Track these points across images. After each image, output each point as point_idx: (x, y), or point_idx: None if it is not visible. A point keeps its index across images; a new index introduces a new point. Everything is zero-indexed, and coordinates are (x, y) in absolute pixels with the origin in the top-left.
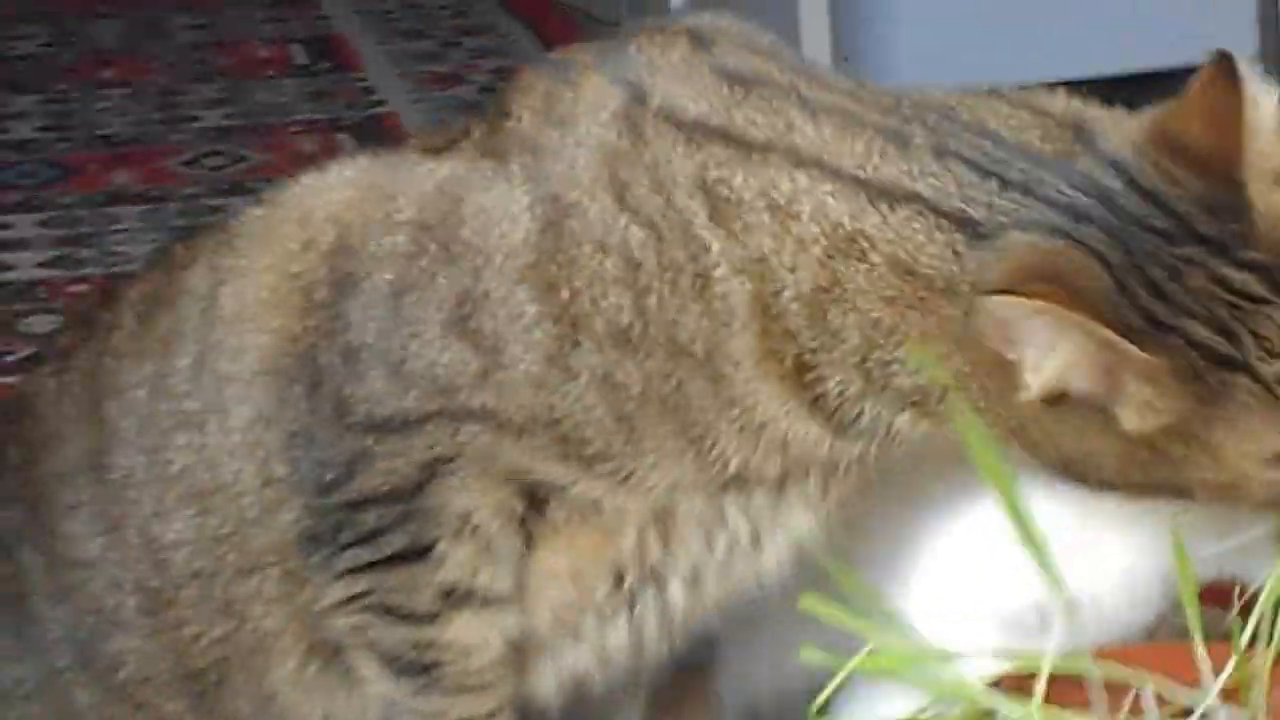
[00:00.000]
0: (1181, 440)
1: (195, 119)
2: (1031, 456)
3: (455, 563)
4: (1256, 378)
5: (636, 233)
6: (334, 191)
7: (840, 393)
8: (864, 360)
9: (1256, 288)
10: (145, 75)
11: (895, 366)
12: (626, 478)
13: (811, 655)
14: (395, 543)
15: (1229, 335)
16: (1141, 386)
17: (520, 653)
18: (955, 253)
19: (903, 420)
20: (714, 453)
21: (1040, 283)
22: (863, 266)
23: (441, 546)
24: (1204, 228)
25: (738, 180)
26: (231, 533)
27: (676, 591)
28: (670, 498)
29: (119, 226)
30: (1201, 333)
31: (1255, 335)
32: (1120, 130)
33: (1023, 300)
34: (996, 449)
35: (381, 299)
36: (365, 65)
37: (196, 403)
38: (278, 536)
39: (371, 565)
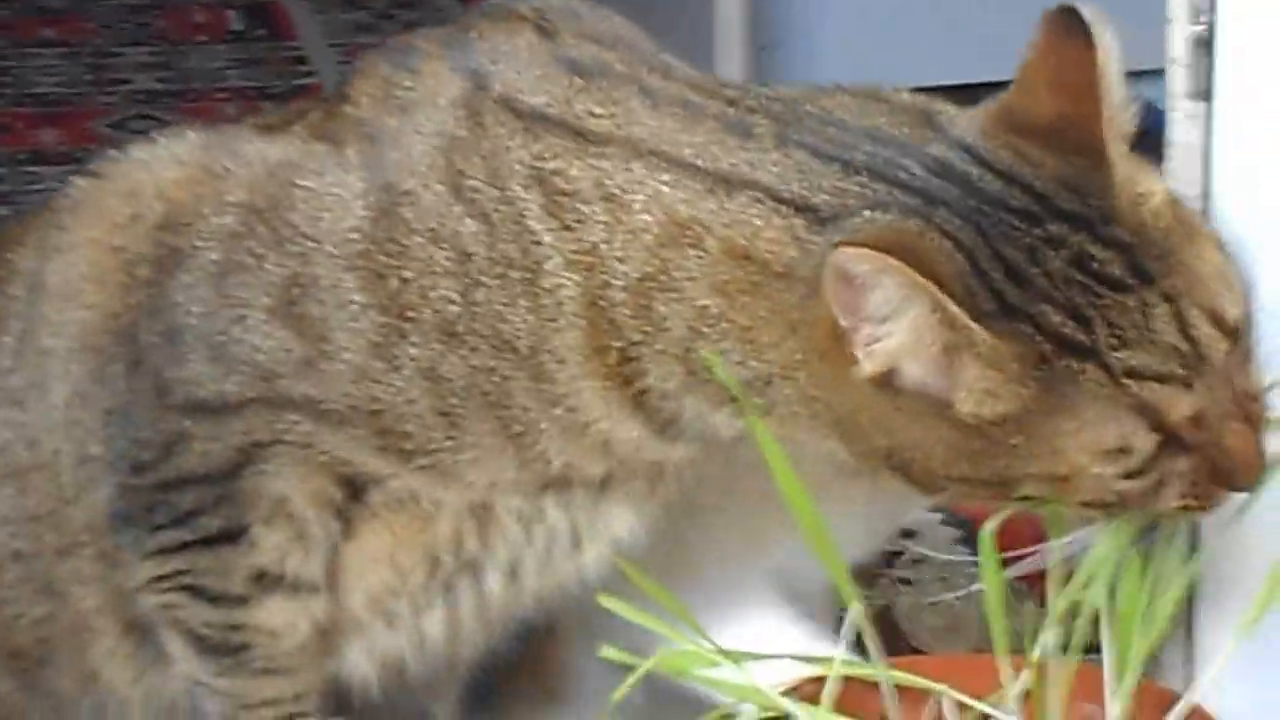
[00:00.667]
0: (1019, 430)
1: (127, 81)
2: (854, 447)
3: (267, 547)
4: (1105, 367)
5: (470, 224)
6: (165, 167)
7: (663, 388)
8: (688, 351)
9: (1116, 270)
10: (84, 35)
11: (705, 350)
12: (445, 473)
13: (610, 653)
14: (209, 525)
15: (1082, 321)
16: (984, 371)
17: (331, 636)
18: (795, 237)
19: (721, 418)
20: (535, 451)
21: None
22: (694, 253)
23: (255, 531)
24: (1066, 204)
25: (574, 171)
26: (50, 512)
27: (494, 583)
28: (490, 494)
29: (38, 185)
30: (1054, 318)
31: (1109, 324)
32: (967, 118)
33: (875, 254)
34: (788, 458)
35: (206, 280)
36: (300, 34)
37: (19, 379)
38: (93, 516)
39: (184, 546)
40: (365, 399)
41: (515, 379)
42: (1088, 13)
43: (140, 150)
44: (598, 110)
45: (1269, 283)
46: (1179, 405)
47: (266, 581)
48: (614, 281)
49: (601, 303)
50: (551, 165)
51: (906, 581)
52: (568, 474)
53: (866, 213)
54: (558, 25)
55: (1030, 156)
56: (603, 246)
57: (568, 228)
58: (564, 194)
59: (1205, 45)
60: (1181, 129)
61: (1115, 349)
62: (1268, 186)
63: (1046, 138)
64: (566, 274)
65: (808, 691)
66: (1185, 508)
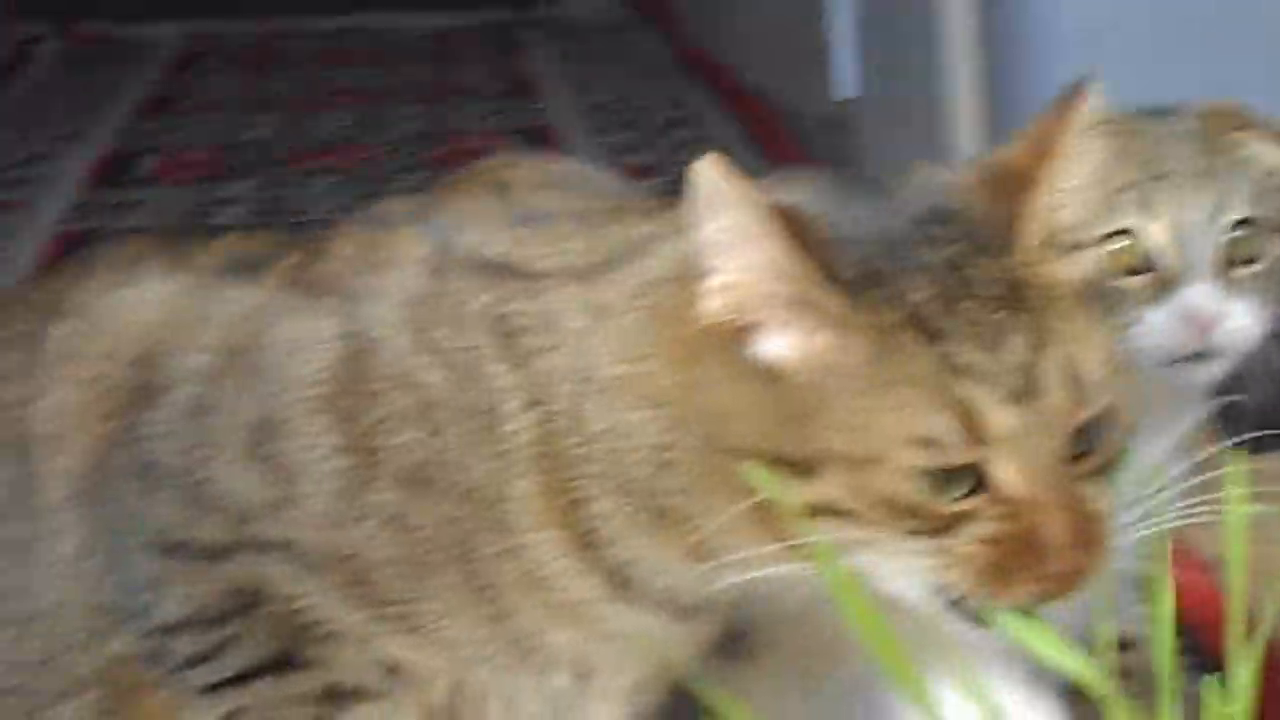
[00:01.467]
0: (840, 399)
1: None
2: (712, 456)
3: (333, 664)
4: (944, 355)
5: (434, 373)
6: (144, 309)
7: (606, 524)
8: (617, 461)
9: (994, 288)
10: (359, 164)
11: (639, 455)
12: (419, 632)
13: None
14: (242, 661)
15: (943, 306)
16: (824, 332)
17: None
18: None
19: (665, 562)
20: (504, 612)
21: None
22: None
23: (309, 652)
24: (970, 222)
25: (523, 308)
26: (50, 658)
27: None
28: (464, 659)
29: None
30: (918, 294)
31: (967, 321)
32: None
33: (726, 172)
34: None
35: (179, 417)
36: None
37: (16, 529)
38: (102, 663)
39: (231, 682)
40: (336, 545)
41: (479, 529)
42: (1093, 85)
43: (122, 291)
44: (544, 250)
45: None
46: (998, 416)
47: (340, 696)
48: (560, 410)
49: (552, 438)
50: (505, 309)
51: None
52: (537, 643)
53: None
54: (510, 182)
55: (965, 190)
56: (547, 374)
57: (520, 364)
58: (516, 332)
59: None
60: None
61: (960, 342)
62: None
63: (995, 182)
64: (523, 415)
65: None
66: (981, 577)
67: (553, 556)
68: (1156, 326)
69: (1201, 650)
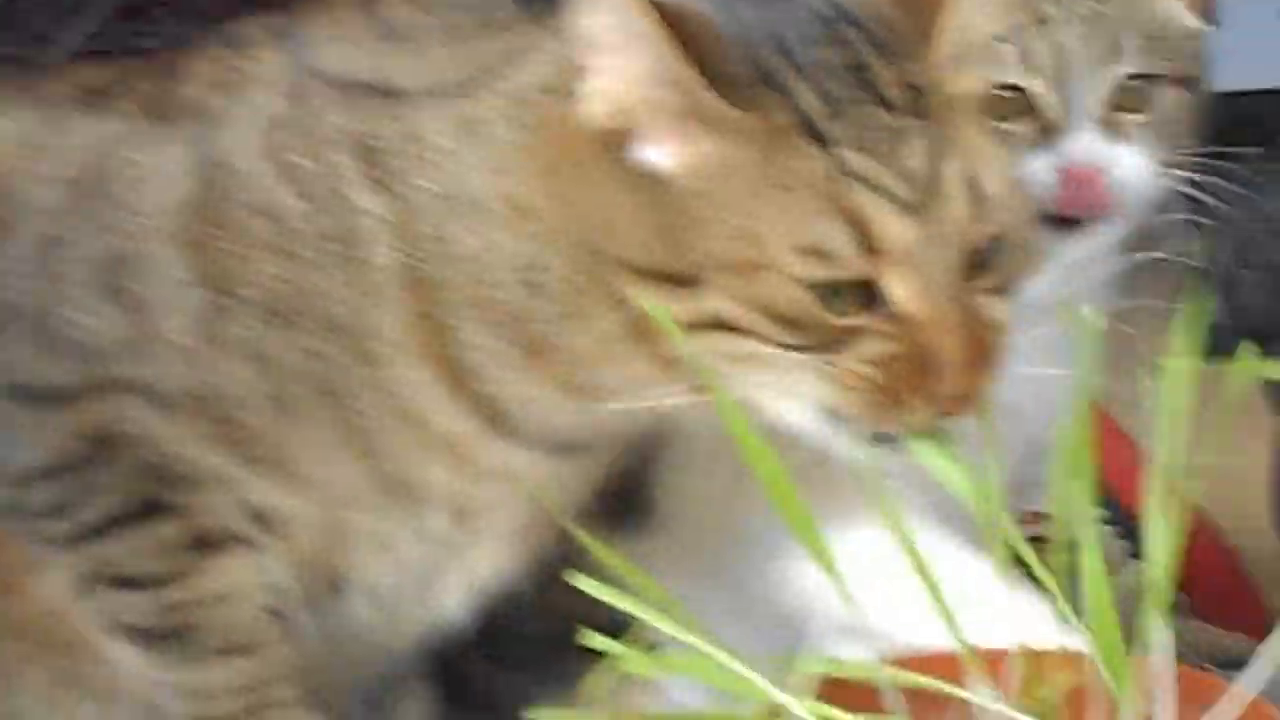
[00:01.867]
0: (726, 205)
1: None
2: (589, 274)
3: (197, 512)
4: (832, 159)
5: (293, 200)
6: None
7: (476, 354)
8: (487, 286)
9: (893, 92)
10: None
11: (510, 279)
12: (289, 474)
13: (591, 639)
14: (94, 513)
15: (834, 111)
16: (710, 137)
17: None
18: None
19: (539, 395)
20: (371, 447)
21: None
22: (479, 147)
23: (171, 498)
24: (873, 28)
25: (385, 129)
26: None
27: (359, 607)
28: (335, 502)
29: None
30: (808, 99)
31: (859, 126)
32: None
33: None
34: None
35: (28, 254)
36: None
37: None
38: None
39: (93, 534)
40: (197, 383)
41: (345, 363)
42: None
43: None
44: (409, 67)
45: None
46: (892, 227)
47: (208, 542)
48: (425, 232)
49: (418, 265)
50: (367, 130)
51: None
52: (410, 482)
53: None
54: None
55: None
56: (413, 197)
57: (384, 188)
58: (379, 154)
59: None
60: None
61: (854, 148)
62: None
63: None
64: (385, 239)
65: (825, 692)
66: (872, 395)
67: (422, 390)
68: (1038, 175)
69: (1126, 519)
